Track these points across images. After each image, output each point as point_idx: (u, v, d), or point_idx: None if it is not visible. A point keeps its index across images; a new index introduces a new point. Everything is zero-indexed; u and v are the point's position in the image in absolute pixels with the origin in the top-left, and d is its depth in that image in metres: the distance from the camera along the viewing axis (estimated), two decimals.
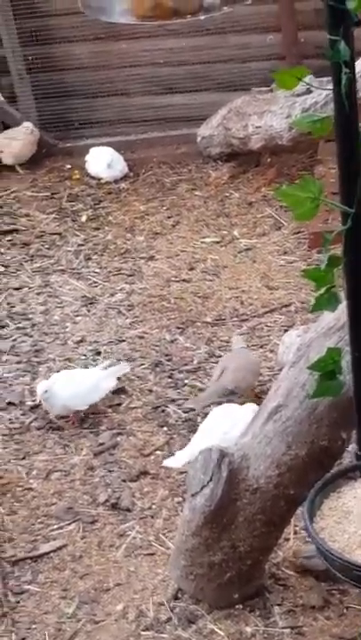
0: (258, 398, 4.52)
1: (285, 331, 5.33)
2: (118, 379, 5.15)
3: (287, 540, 4.11)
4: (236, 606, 3.90)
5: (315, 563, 3.90)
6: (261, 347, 5.42)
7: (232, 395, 4.88)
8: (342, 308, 2.49)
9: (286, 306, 5.76)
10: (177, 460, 4.50)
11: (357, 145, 2.29)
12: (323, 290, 2.38)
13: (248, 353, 5.21)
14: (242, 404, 4.66)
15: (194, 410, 4.96)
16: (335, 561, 2.24)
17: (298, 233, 6.44)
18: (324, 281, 2.38)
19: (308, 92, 6.31)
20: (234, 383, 4.87)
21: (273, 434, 3.63)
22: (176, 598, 3.98)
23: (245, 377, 4.95)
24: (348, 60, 2.18)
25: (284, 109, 6.63)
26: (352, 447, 2.98)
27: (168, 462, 4.56)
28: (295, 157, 7.18)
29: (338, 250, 2.39)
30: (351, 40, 2.22)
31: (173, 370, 5.35)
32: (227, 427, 4.38)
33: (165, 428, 4.93)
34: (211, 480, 3.69)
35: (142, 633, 3.88)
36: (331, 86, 2.27)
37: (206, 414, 4.72)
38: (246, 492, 3.69)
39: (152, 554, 4.22)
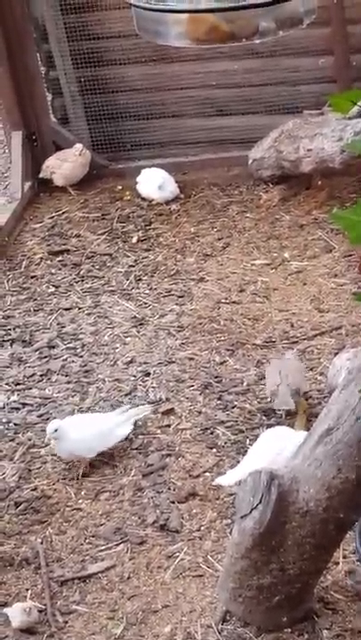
0: (309, 421, 4.51)
1: (336, 354, 5.31)
2: (136, 423, 5.06)
3: (336, 563, 4.10)
4: (285, 630, 3.89)
5: None
6: (311, 369, 5.40)
7: (297, 395, 4.97)
8: None
9: (337, 329, 5.74)
10: (228, 479, 4.50)
11: None
12: None
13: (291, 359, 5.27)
14: (291, 422, 4.68)
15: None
16: None
17: (349, 256, 6.42)
18: None
19: (360, 115, 6.31)
20: (295, 384, 4.98)
21: (323, 456, 3.62)
22: (224, 621, 3.98)
23: (299, 378, 5.08)
24: None
25: (336, 132, 6.64)
26: None
27: (219, 480, 4.57)
28: (346, 180, 7.18)
29: None
30: None
31: (223, 391, 5.35)
32: (278, 449, 4.38)
33: (214, 450, 4.93)
34: (260, 502, 3.70)
35: None
36: None
37: (256, 437, 4.72)
38: (296, 514, 3.68)
39: (200, 575, 4.23)
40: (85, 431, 4.84)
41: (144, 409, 5.13)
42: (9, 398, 5.50)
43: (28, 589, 4.28)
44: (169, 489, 4.70)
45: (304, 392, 5.12)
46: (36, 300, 6.46)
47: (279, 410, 4.98)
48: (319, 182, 7.17)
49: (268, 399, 5.07)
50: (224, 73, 7.57)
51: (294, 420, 4.91)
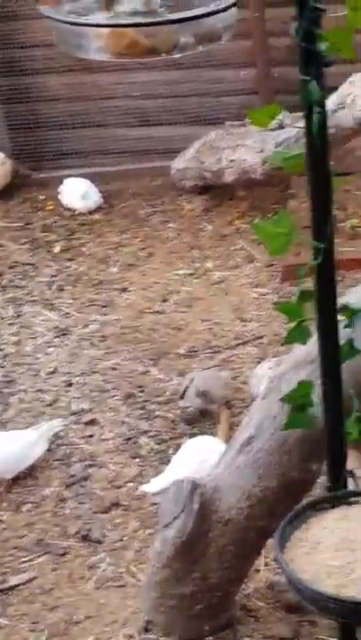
0: (231, 430, 4.54)
1: (258, 363, 5.36)
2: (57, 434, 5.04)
3: (258, 571, 4.12)
4: (207, 638, 3.89)
5: (285, 594, 3.92)
6: (234, 378, 5.44)
7: (204, 397, 5.02)
8: (313, 341, 2.54)
9: (259, 338, 5.79)
10: (153, 486, 4.50)
11: (329, 182, 2.35)
12: (295, 323, 2.44)
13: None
14: (214, 430, 4.71)
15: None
16: (305, 591, 2.28)
17: (270, 266, 6.48)
18: (295, 315, 2.44)
19: (281, 127, 6.37)
20: (204, 387, 5.04)
21: (244, 465, 3.65)
22: (146, 630, 3.97)
23: (214, 384, 5.12)
24: (318, 100, 2.24)
25: (258, 144, 6.69)
26: (322, 479, 3.02)
27: (144, 487, 4.57)
28: (268, 191, 7.24)
29: (309, 284, 2.44)
30: (323, 80, 2.29)
31: (146, 401, 5.36)
32: (201, 458, 4.40)
33: (137, 460, 4.94)
34: (182, 511, 3.71)
35: None
36: (303, 122, 2.33)
37: (179, 446, 4.74)
38: (218, 523, 3.71)
39: (123, 586, 4.22)
40: (1, 453, 4.78)
41: (57, 423, 5.09)
42: None
43: None
44: (91, 499, 4.69)
45: (227, 401, 5.17)
46: None
47: (185, 409, 5.06)
48: (241, 193, 7.23)
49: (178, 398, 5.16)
50: (147, 84, 7.60)
51: (217, 428, 4.95)
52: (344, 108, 5.26)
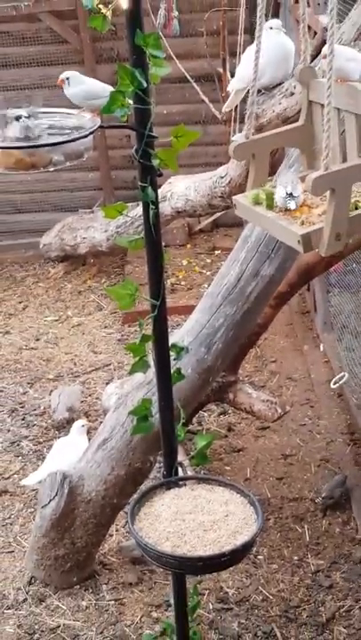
0: (88, 433, 4.49)
1: (107, 384, 5.33)
2: None
3: (111, 535, 4.09)
4: (75, 587, 3.85)
5: (133, 552, 3.91)
6: (90, 395, 5.40)
7: (69, 410, 4.98)
8: (150, 370, 2.54)
9: (107, 365, 5.77)
10: (31, 480, 4.40)
11: (162, 256, 2.37)
12: (137, 358, 2.44)
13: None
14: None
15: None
16: (149, 551, 2.27)
17: (114, 313, 6.48)
18: (138, 352, 2.43)
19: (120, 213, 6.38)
20: (69, 402, 5.03)
21: (101, 459, 3.63)
22: (30, 584, 3.89)
23: (76, 400, 5.10)
24: (153, 200, 2.26)
25: (103, 226, 6.71)
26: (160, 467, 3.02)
27: (24, 481, 4.47)
28: (111, 259, 7.27)
29: (147, 329, 2.45)
30: (155, 186, 2.31)
31: (26, 414, 5.26)
32: (68, 454, 4.33)
33: (20, 458, 4.83)
34: (56, 495, 3.66)
35: (5, 611, 3.77)
36: (136, 209, 2.35)
37: (51, 446, 4.66)
38: (82, 502, 3.67)
39: (11, 552, 4.11)
40: None
41: None
42: None
43: None
44: None
45: (85, 412, 5.12)
46: None
47: (58, 419, 4.98)
48: (92, 260, 7.22)
49: (52, 413, 5.05)
50: (21, 182, 7.51)
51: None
52: (165, 200, 5.33)
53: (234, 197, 2.32)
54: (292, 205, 2.12)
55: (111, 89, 2.16)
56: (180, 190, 5.33)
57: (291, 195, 2.13)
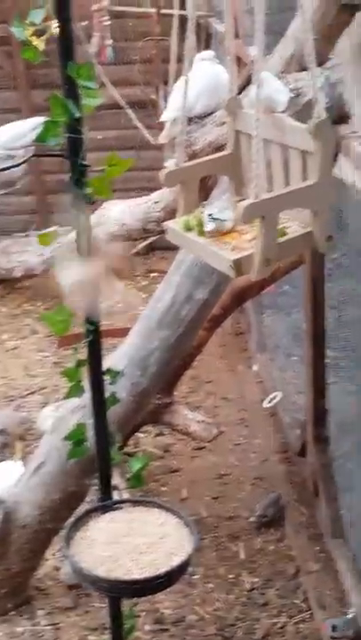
0: (25, 457, 4.44)
1: (43, 407, 5.28)
2: None
3: (47, 560, 4.04)
4: (11, 613, 3.78)
5: (67, 576, 3.87)
6: (26, 419, 5.33)
7: (4, 433, 4.91)
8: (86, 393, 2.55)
9: (43, 389, 5.71)
10: None
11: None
12: (73, 383, 2.44)
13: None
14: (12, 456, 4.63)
15: None
16: (86, 576, 2.26)
17: (50, 336, 6.42)
18: (74, 377, 2.44)
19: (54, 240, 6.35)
20: (4, 426, 4.96)
21: (36, 484, 3.59)
22: None
23: (11, 423, 5.05)
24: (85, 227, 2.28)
25: (38, 249, 6.68)
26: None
27: None
28: (46, 282, 7.18)
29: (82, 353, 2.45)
30: (88, 212, 2.32)
31: None
32: (3, 479, 4.27)
33: None
34: None
35: None
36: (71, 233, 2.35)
37: None
38: (17, 528, 3.62)
39: None
40: None
41: None
42: None
43: None
44: None
45: (21, 436, 5.05)
46: None
47: None
48: (27, 284, 7.16)
49: None
50: None
51: (14, 456, 4.82)
52: (100, 225, 5.33)
53: (165, 223, 2.35)
54: (208, 227, 2.17)
55: (34, 121, 2.18)
56: (114, 215, 5.35)
57: (210, 215, 2.17)
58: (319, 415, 4.22)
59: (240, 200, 2.30)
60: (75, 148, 2.19)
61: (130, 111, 6.73)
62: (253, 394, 5.46)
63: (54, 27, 2.09)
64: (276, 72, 3.25)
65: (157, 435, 5.08)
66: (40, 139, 2.13)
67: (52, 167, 7.31)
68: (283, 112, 2.31)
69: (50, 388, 5.69)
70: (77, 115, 2.13)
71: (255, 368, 5.71)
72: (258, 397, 5.36)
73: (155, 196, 5.01)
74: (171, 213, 4.61)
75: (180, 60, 6.07)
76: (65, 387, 2.49)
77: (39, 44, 2.07)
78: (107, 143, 6.87)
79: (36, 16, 2.01)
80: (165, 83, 6.40)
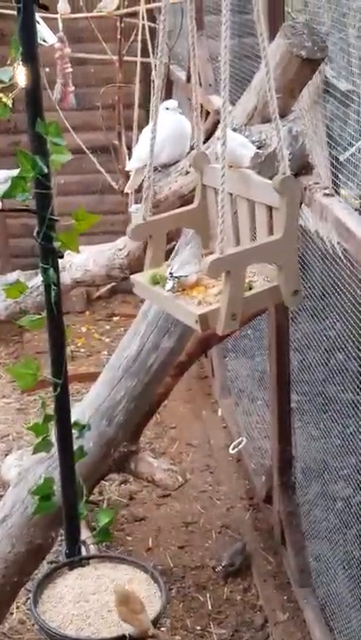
0: None
1: (6, 455, 5.19)
2: None
3: (12, 613, 3.97)
4: None
5: (33, 627, 3.79)
6: None
7: None
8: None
9: (6, 436, 5.64)
10: None
11: (63, 337, 2.38)
12: (40, 438, 2.42)
13: None
14: None
15: None
16: (55, 636, 2.22)
17: (13, 382, 6.35)
18: (41, 432, 2.42)
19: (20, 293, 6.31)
20: None
21: (1, 537, 3.52)
22: None
23: None
24: (55, 282, 2.28)
25: (1, 295, 6.61)
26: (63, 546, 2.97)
27: None
28: (9, 326, 7.09)
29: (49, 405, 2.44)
30: (57, 266, 2.33)
31: None
32: None
33: None
34: None
35: None
36: (35, 279, 2.36)
37: None
38: None
39: None
40: None
41: None
42: None
43: None
44: None
45: None
46: None
47: None
48: None
49: None
50: None
51: None
52: (64, 271, 5.34)
53: (132, 277, 2.37)
54: (167, 286, 2.18)
55: (2, 174, 2.19)
56: (79, 261, 5.35)
57: (171, 274, 2.19)
58: (285, 461, 4.22)
59: (207, 253, 2.33)
60: (43, 203, 2.20)
61: (92, 156, 6.79)
62: (219, 439, 5.45)
63: (21, 81, 2.12)
64: (240, 124, 3.32)
65: (122, 482, 5.04)
66: (8, 194, 2.14)
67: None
68: (247, 167, 2.35)
69: (13, 436, 5.62)
70: (46, 170, 2.15)
71: (220, 413, 5.72)
72: (223, 443, 5.35)
73: (119, 242, 5.03)
74: (135, 260, 4.64)
75: (141, 106, 6.15)
76: (29, 434, 2.48)
77: (8, 100, 2.10)
78: (70, 188, 6.92)
79: (4, 74, 2.04)
80: (128, 128, 6.47)
